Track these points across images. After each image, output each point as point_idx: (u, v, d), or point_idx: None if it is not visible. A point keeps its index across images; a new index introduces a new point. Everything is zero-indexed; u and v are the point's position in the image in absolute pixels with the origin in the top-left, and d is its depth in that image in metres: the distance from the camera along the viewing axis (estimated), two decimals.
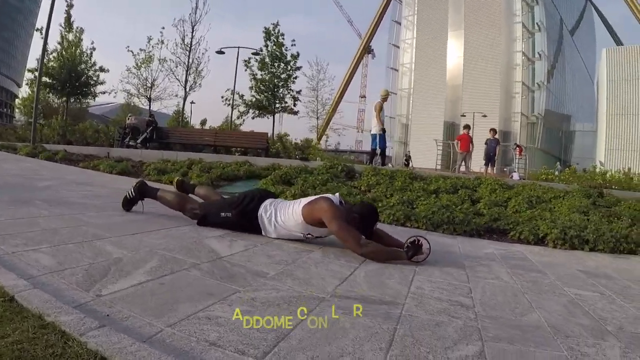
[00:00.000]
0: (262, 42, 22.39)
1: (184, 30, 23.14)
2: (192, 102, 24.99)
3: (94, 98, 25.13)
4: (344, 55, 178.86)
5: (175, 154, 9.91)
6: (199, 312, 1.66)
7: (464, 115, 42.64)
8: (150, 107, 23.95)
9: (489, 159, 13.58)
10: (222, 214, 3.37)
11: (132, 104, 29.68)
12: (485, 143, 14.04)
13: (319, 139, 31.67)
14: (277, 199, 3.50)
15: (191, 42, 23.20)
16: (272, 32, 22.30)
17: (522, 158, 33.77)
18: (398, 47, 65.64)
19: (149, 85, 23.35)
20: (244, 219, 3.31)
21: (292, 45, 22.59)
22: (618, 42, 58.09)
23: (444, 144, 54.22)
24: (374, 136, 11.12)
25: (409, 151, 30.30)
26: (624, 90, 40.79)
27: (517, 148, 27.48)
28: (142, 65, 23.13)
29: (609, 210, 6.38)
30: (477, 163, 17.02)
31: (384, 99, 11.22)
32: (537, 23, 52.45)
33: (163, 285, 1.92)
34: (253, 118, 23.32)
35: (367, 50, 73.50)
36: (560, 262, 3.92)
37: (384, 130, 11.17)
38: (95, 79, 23.30)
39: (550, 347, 1.73)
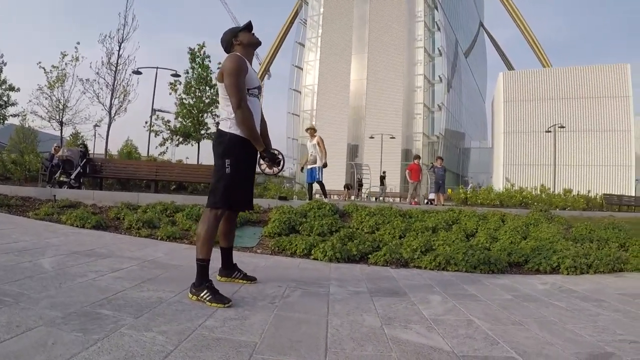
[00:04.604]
0: (178, 63, 21.70)
1: (111, 47, 21.13)
2: (96, 125, 23.30)
3: (3, 122, 22.50)
4: None
5: (136, 196, 9.35)
6: None
7: (372, 137, 45.54)
8: (62, 132, 21.87)
9: (439, 186, 14.88)
10: (223, 180, 3.38)
11: (27, 126, 27.08)
12: (433, 171, 15.40)
13: None
14: None
15: (117, 61, 21.32)
16: (198, 53, 21.69)
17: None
18: (301, 68, 68.08)
19: (61, 107, 21.22)
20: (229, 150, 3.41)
21: (217, 68, 22.43)
22: (508, 64, 66.42)
23: (352, 165, 57.01)
24: (319, 169, 11.36)
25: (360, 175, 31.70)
26: (520, 110, 47.51)
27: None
28: (55, 85, 20.93)
29: (572, 233, 7.91)
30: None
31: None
32: (438, 48, 57.94)
33: None
34: (177, 145, 22.30)
35: (266, 72, 75.24)
36: (595, 287, 4.99)
37: (325, 165, 11.50)
38: (5, 99, 21.14)
39: None
